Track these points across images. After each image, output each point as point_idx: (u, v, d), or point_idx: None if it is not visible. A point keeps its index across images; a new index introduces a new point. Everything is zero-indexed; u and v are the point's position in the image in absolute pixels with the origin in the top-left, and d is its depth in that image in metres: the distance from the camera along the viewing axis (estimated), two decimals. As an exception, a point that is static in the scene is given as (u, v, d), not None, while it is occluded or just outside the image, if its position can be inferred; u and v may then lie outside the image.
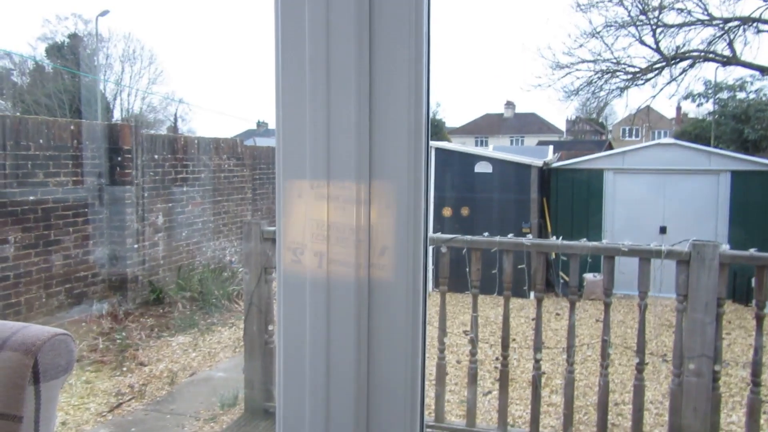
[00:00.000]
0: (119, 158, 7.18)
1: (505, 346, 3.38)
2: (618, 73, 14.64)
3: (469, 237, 3.32)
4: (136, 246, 7.37)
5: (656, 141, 10.10)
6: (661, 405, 4.83)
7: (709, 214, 9.45)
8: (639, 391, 3.17)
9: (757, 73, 17.23)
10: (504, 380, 3.41)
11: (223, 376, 5.46)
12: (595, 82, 14.77)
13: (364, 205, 1.14)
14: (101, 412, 4.63)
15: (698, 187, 9.48)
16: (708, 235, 9.22)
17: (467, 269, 3.33)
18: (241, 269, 8.44)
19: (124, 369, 5.58)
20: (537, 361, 3.30)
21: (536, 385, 3.29)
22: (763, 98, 16.88)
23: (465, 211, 9.39)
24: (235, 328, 6.82)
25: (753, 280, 3.03)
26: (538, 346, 3.30)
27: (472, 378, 3.43)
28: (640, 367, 3.16)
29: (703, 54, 14.15)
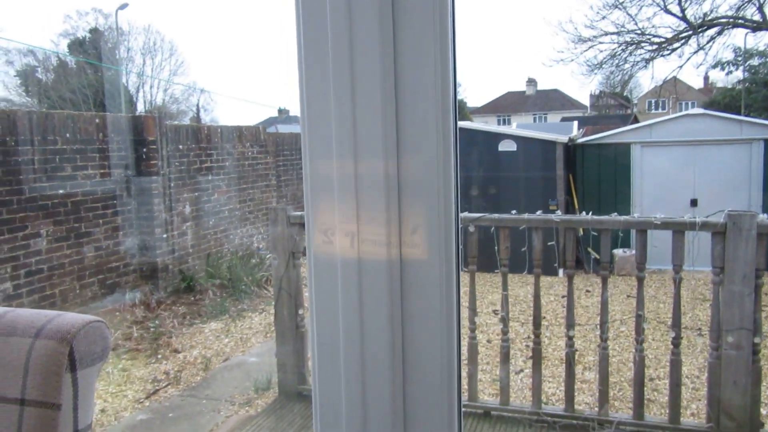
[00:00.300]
0: (144, 149, 7.24)
1: (536, 324, 3.35)
2: (643, 44, 14.34)
3: (497, 215, 3.29)
4: (164, 235, 7.46)
5: (685, 112, 9.87)
6: (697, 379, 4.77)
7: (741, 185, 9.24)
8: (675, 365, 3.12)
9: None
10: (537, 358, 3.38)
11: (255, 361, 5.51)
12: (619, 54, 14.49)
13: (393, 182, 1.12)
14: (139, 399, 4.72)
15: (730, 157, 9.27)
16: (741, 205, 9.02)
17: (496, 248, 3.30)
18: (268, 255, 8.50)
19: (159, 356, 5.67)
20: (570, 338, 3.27)
21: (570, 362, 3.26)
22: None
23: (491, 190, 9.32)
24: (265, 314, 6.88)
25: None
26: (570, 323, 3.26)
27: (504, 357, 3.41)
28: (677, 342, 3.10)
29: (731, 20, 13.76)
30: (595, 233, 3.19)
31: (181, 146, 7.83)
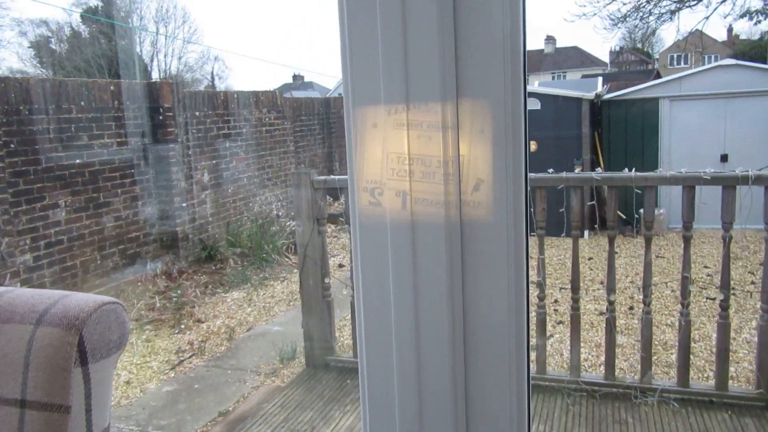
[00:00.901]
0: (161, 117, 7.10)
1: (575, 289, 3.19)
2: (668, -5, 13.80)
3: (533, 174, 3.11)
4: (184, 204, 7.36)
5: (716, 63, 9.49)
6: (737, 344, 4.61)
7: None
8: (724, 329, 2.95)
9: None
10: (576, 325, 3.23)
11: (280, 330, 5.43)
12: (644, 6, 13.98)
13: (452, 131, 0.95)
14: (164, 370, 4.66)
15: (762, 109, 8.92)
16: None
17: (531, 209, 3.13)
18: (289, 222, 8.39)
19: (182, 327, 5.61)
20: (611, 303, 3.10)
21: (611, 328, 3.10)
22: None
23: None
24: (287, 282, 6.79)
25: None
26: (611, 287, 3.10)
27: (541, 324, 3.26)
28: (725, 304, 2.93)
29: (761, -33, 13.18)
30: (639, 191, 3.00)
31: (197, 113, 7.68)
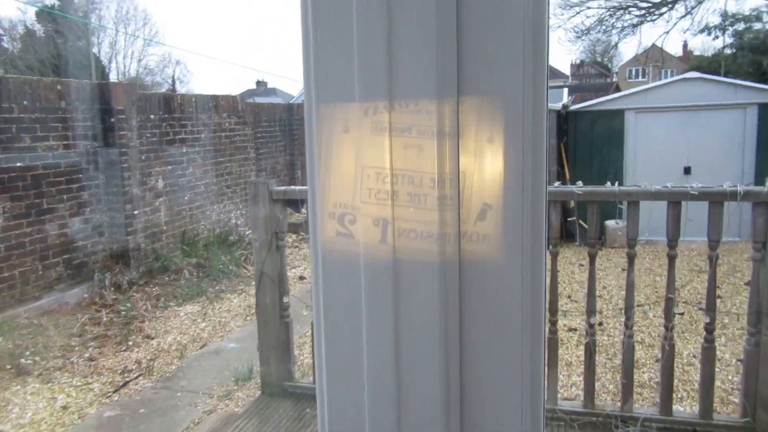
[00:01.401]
0: (112, 119, 6.72)
1: (553, 311, 2.98)
2: (631, 9, 13.95)
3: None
4: (136, 212, 6.98)
5: (681, 76, 9.51)
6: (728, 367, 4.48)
7: (735, 151, 8.96)
8: (708, 353, 2.78)
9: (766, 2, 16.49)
10: (553, 349, 3.02)
11: (235, 347, 5.12)
12: (607, 19, 14.11)
13: (451, 139, 0.71)
14: (106, 393, 4.30)
15: (724, 122, 8.97)
16: (735, 172, 8.76)
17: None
18: (248, 232, 8.06)
19: (130, 343, 5.25)
20: (590, 326, 2.90)
21: (590, 353, 2.90)
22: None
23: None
24: (245, 295, 6.47)
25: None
26: (591, 309, 2.90)
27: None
28: (710, 327, 2.76)
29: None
30: (622, 205, 2.80)
31: (152, 116, 7.31)
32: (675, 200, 2.68)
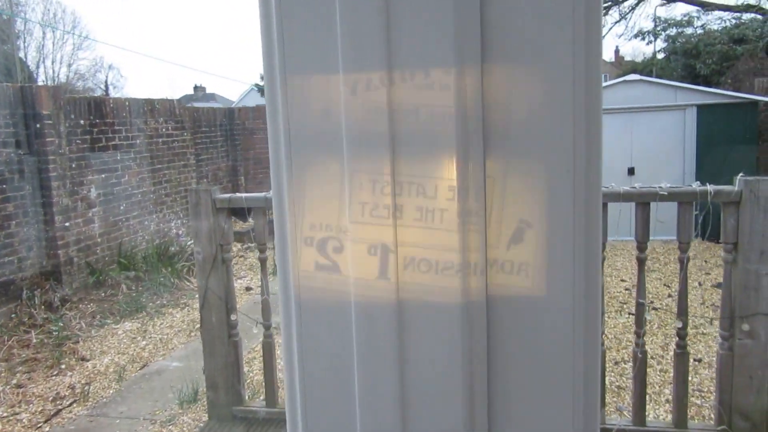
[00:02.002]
0: (38, 125, 6.27)
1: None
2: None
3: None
4: (67, 224, 6.54)
5: (622, 78, 9.65)
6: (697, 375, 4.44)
7: (676, 152, 9.15)
8: (682, 360, 2.68)
9: (698, 8, 17.07)
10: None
11: (179, 367, 4.80)
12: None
13: (476, 127, 0.51)
14: (36, 423, 3.93)
15: (665, 124, 9.14)
16: (676, 173, 8.94)
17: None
18: (189, 243, 7.69)
19: (63, 366, 4.86)
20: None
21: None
22: (710, 31, 16.72)
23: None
24: (188, 309, 6.13)
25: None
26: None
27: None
28: (683, 332, 2.66)
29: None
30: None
31: (82, 121, 6.87)
32: (644, 201, 2.57)
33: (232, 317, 2.88)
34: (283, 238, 0.53)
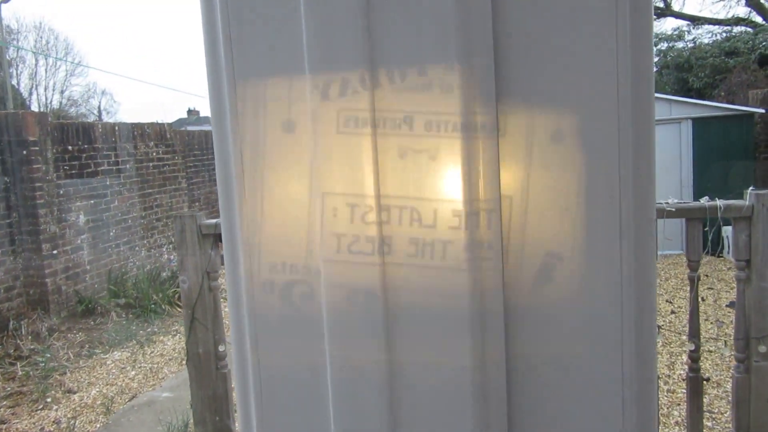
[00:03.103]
0: (24, 152, 6.16)
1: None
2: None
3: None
4: (55, 252, 6.39)
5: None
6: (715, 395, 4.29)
7: (673, 164, 9.09)
8: (694, 385, 2.55)
9: (689, 23, 17.18)
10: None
11: (169, 397, 4.63)
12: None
13: (487, 137, 0.39)
14: (19, 462, 3.76)
15: (661, 137, 9.08)
16: (674, 186, 8.87)
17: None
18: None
19: (49, 399, 4.68)
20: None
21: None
22: (702, 45, 16.80)
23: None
24: (179, 336, 5.97)
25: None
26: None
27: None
28: (695, 356, 2.53)
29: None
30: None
31: (70, 147, 6.76)
32: (650, 217, 2.45)
33: (221, 348, 2.73)
34: (236, 283, 0.41)
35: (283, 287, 0.39)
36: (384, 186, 0.37)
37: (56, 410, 4.50)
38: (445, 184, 0.37)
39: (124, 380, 5.02)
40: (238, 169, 0.39)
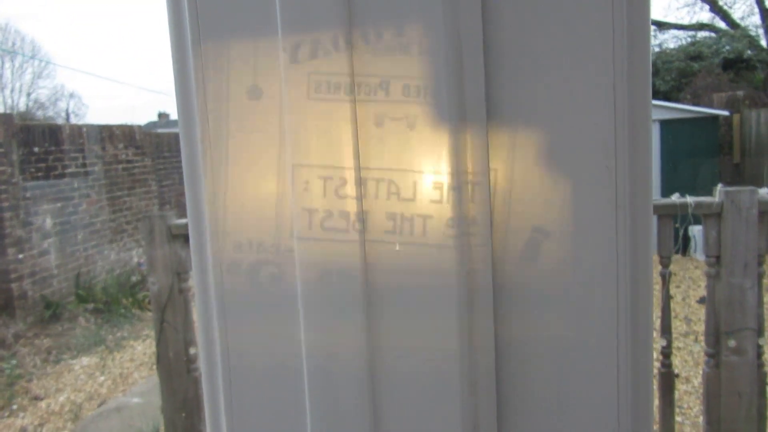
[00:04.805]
0: (-12, 154, 5.99)
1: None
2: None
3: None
4: (20, 256, 6.23)
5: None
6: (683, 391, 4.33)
7: (642, 166, 9.26)
8: (666, 380, 2.57)
9: (655, 28, 17.50)
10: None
11: (139, 403, 4.53)
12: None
13: (477, 106, 0.37)
14: (-17, 472, 3.65)
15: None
16: (643, 187, 9.02)
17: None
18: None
19: (15, 407, 4.55)
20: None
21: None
22: (667, 49, 17.11)
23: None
24: (149, 341, 5.85)
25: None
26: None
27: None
28: (667, 351, 2.55)
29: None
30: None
31: (36, 149, 6.60)
32: (623, 214, 2.46)
33: (192, 351, 2.68)
34: (203, 263, 0.38)
35: (250, 267, 0.36)
36: (364, 156, 0.35)
37: (23, 418, 4.37)
38: (424, 152, 0.34)
39: (92, 386, 4.90)
40: (203, 137, 0.36)
